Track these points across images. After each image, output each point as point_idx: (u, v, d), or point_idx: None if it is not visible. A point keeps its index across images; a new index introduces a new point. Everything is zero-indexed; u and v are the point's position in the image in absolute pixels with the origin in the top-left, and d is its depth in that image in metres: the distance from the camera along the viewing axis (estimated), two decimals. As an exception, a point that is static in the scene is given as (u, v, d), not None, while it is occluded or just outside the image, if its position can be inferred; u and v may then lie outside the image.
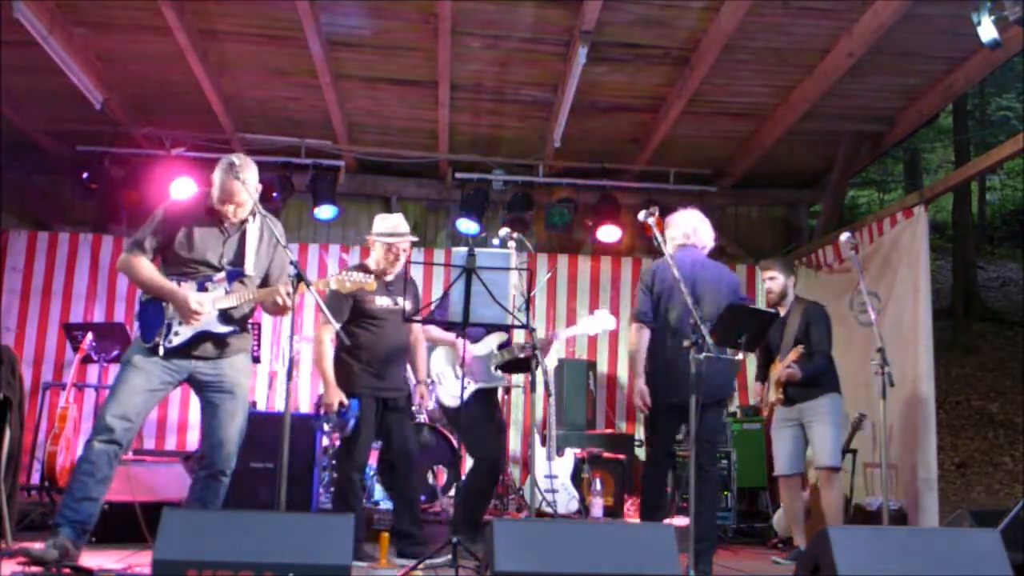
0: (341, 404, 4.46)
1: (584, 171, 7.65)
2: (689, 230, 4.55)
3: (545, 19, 5.54)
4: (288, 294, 3.69)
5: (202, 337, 3.78)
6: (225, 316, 3.81)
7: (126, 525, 4.30)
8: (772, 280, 5.36)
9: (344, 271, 4.12)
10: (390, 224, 4.61)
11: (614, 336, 7.89)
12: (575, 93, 5.98)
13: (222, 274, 3.83)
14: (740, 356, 4.09)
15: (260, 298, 3.86)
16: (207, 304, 3.75)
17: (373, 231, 4.63)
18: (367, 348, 4.55)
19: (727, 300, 4.26)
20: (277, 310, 3.89)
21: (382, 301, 4.58)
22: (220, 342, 3.83)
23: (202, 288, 3.79)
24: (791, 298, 5.35)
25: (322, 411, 4.62)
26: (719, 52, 5.64)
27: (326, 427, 4.77)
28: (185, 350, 3.76)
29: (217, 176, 3.81)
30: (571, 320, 7.84)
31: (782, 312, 5.29)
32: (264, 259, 3.95)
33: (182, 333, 3.74)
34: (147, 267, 3.79)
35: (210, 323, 3.77)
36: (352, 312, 4.51)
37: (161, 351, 3.71)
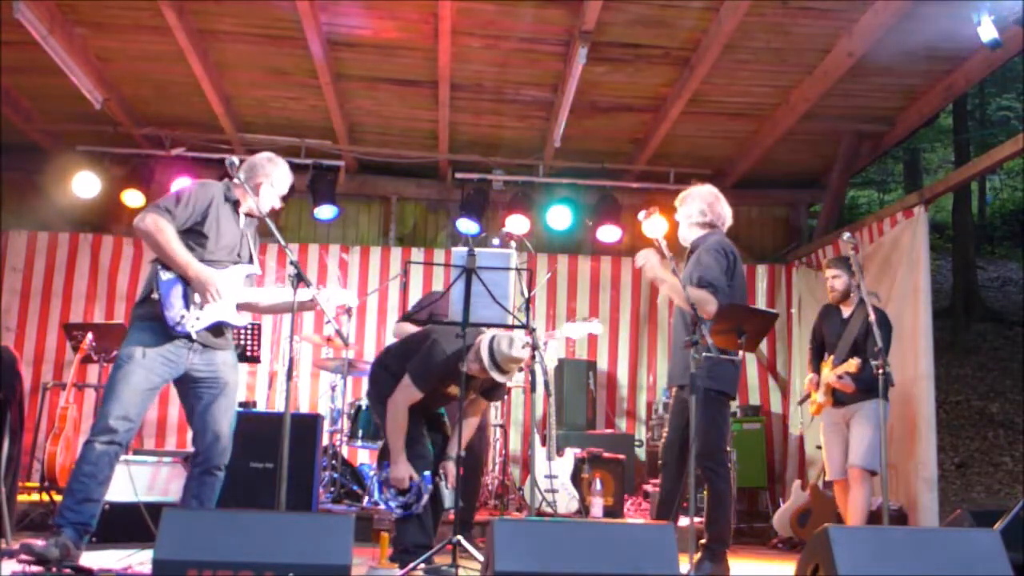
0: (411, 479, 4.07)
1: (584, 171, 7.64)
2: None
3: (545, 19, 5.54)
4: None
5: (218, 327, 3.80)
6: (240, 308, 3.87)
7: (126, 525, 4.30)
8: (836, 279, 5.26)
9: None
10: None
11: (614, 336, 7.89)
12: (575, 93, 5.98)
13: (240, 267, 3.88)
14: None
15: (277, 304, 3.96)
16: (229, 289, 3.76)
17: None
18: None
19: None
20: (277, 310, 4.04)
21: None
22: (220, 332, 3.84)
23: None
24: (856, 298, 5.23)
25: (389, 487, 4.09)
26: (719, 52, 5.64)
27: (394, 505, 4.08)
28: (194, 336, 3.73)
29: (277, 171, 3.95)
30: (571, 319, 7.82)
31: (845, 312, 5.28)
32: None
33: (203, 319, 3.72)
34: (176, 235, 3.68)
35: (230, 314, 3.81)
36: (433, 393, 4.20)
37: (188, 328, 3.66)
